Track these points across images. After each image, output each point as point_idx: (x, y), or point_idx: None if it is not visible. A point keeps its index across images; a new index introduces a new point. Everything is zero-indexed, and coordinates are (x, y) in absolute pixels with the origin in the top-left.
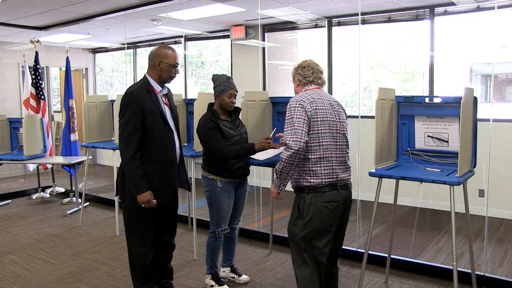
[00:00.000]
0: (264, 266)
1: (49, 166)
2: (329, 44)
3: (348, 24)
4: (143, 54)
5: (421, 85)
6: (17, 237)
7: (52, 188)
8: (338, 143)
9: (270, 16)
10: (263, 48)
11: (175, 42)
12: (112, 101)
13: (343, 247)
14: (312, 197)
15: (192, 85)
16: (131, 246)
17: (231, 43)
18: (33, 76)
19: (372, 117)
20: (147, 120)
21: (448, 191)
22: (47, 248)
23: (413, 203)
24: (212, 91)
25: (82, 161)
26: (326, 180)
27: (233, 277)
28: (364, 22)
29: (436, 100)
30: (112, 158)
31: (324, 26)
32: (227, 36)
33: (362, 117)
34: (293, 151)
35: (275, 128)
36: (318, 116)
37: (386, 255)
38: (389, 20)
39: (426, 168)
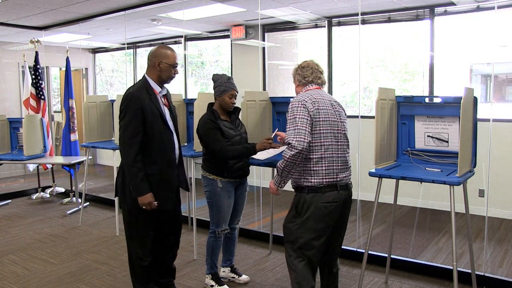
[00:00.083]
0: (264, 266)
1: (49, 166)
2: (329, 44)
3: (348, 24)
4: (143, 54)
5: (421, 85)
6: (17, 237)
7: (52, 188)
8: (339, 143)
9: (270, 16)
10: (263, 48)
11: (175, 42)
12: (112, 101)
13: (343, 247)
14: (312, 197)
15: (192, 85)
16: (130, 247)
17: (231, 43)
18: (33, 76)
19: (372, 117)
20: (148, 121)
21: (448, 191)
22: (47, 248)
23: (413, 203)
24: (212, 91)
25: (82, 161)
26: (327, 180)
27: (233, 277)
28: (364, 22)
29: (436, 100)
30: (112, 158)
31: (324, 26)
32: (227, 36)
33: (362, 117)
34: (296, 150)
35: (277, 129)
36: (320, 116)
37: (386, 255)
38: (389, 20)
39: (426, 168)
